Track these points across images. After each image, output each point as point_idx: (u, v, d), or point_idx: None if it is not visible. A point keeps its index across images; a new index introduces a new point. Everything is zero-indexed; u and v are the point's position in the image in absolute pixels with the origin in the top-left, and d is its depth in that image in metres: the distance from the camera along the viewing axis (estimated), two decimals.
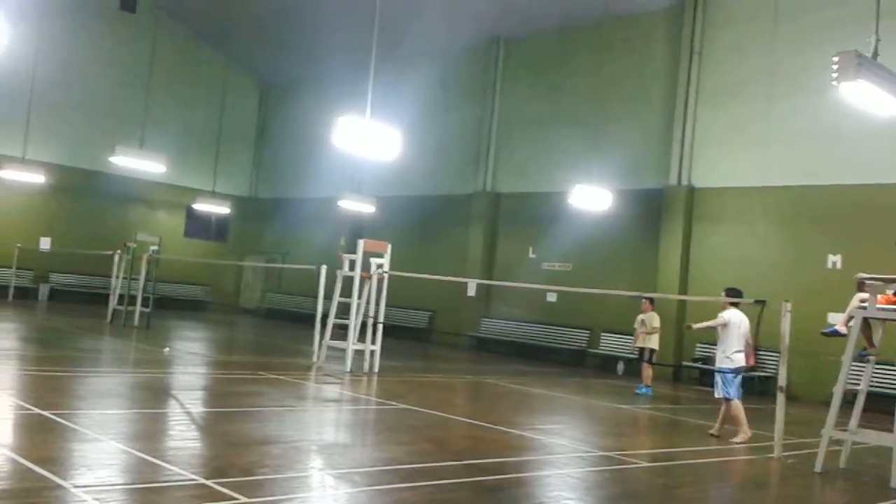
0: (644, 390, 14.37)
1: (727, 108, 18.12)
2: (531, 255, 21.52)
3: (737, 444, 9.45)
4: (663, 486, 7.32)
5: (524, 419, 10.61)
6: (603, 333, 19.58)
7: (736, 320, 9.74)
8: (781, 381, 8.90)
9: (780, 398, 8.85)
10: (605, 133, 19.69)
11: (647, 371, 14.56)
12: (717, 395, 9.86)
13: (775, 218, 17.14)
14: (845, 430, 8.41)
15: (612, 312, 19.12)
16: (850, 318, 8.42)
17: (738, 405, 9.74)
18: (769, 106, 17.34)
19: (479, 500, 6.12)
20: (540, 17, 21.37)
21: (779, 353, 9.06)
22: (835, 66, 8.00)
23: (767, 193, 17.23)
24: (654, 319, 14.67)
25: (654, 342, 14.67)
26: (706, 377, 17.36)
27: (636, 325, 14.91)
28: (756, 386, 16.57)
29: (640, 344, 14.78)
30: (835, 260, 16.06)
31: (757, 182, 17.40)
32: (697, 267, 18.14)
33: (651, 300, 14.88)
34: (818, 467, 7.99)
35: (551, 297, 20.46)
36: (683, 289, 17.94)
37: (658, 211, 18.78)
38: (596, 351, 19.63)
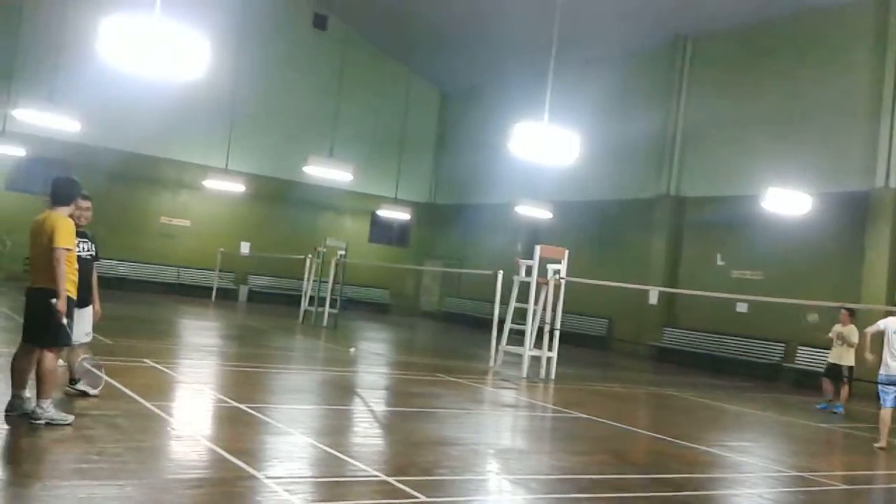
0: (838, 408, 13.35)
1: None
2: (719, 263, 20.51)
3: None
4: None
5: (711, 435, 10.07)
6: (800, 347, 18.25)
7: (892, 326, 9.47)
8: None
9: None
10: (801, 133, 18.44)
11: (844, 389, 13.41)
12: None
13: None
14: None
15: (810, 325, 17.83)
16: None
17: (883, 413, 9.55)
18: None
19: None
20: (729, 14, 20.36)
21: None
22: None
23: None
24: (853, 334, 13.42)
25: (851, 358, 13.43)
26: None
27: (831, 335, 13.72)
28: None
29: (833, 360, 13.60)
30: None
31: None
32: None
33: (851, 311, 13.66)
34: None
35: (741, 308, 19.37)
36: (892, 299, 16.40)
37: (863, 215, 17.31)
38: (791, 366, 18.35)
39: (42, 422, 6.17)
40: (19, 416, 6.27)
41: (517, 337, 14.46)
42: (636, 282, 19.31)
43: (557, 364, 13.79)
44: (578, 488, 6.21)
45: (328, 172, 22.65)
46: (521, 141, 12.54)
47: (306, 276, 21.50)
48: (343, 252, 20.93)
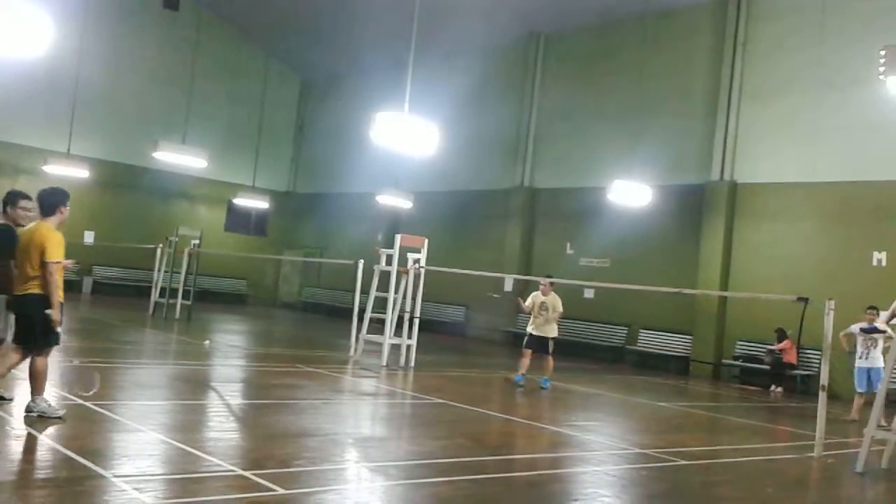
0: (545, 382, 12.67)
1: (772, 102, 17.81)
2: (569, 251, 21.39)
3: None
4: (701, 483, 7.22)
5: (561, 415, 10.55)
6: (641, 330, 19.41)
7: None
8: (823, 379, 8.73)
9: (822, 397, 8.69)
10: (645, 128, 19.49)
11: (550, 361, 12.76)
12: None
13: (820, 214, 16.82)
14: (888, 430, 8.23)
15: (650, 309, 18.97)
16: (893, 316, 8.34)
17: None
18: (816, 100, 17.00)
19: (514, 496, 6.09)
20: (580, 12, 21.21)
21: (821, 351, 8.88)
22: (882, 60, 7.81)
23: (813, 189, 16.91)
24: (557, 302, 12.76)
25: (555, 329, 12.92)
26: (747, 375, 17.16)
27: (529, 305, 12.90)
28: (798, 385, 16.34)
29: (538, 332, 12.76)
30: (880, 257, 15.74)
31: (802, 178, 17.08)
32: (739, 264, 17.88)
33: (552, 281, 13.08)
34: (859, 467, 7.84)
35: (589, 294, 20.31)
36: (724, 286, 17.69)
37: (699, 207, 18.54)
38: (634, 348, 19.46)
39: (35, 413, 6.68)
40: None
41: (377, 326, 14.55)
42: (493, 270, 19.82)
43: (417, 351, 13.99)
44: (436, 472, 6.37)
45: (181, 158, 21.83)
46: (382, 131, 12.58)
47: (157, 266, 20.65)
48: (197, 241, 20.27)
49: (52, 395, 8.33)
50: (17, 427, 6.60)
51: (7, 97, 23.03)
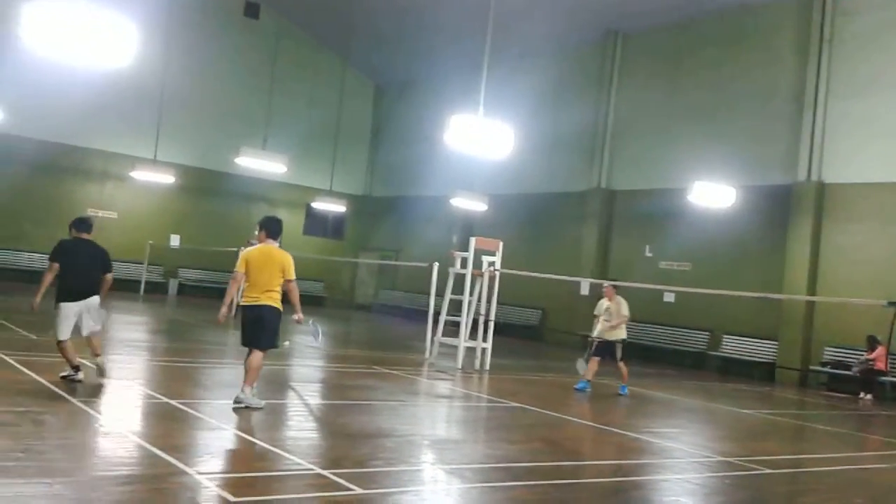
0: (623, 389, 12.39)
1: (861, 99, 17.12)
2: (648, 254, 20.99)
3: None
4: (786, 493, 6.96)
5: (640, 421, 10.33)
6: (725, 336, 18.87)
7: None
8: None
9: None
10: (727, 127, 18.99)
11: (623, 367, 12.41)
12: None
13: None
14: None
15: (734, 314, 18.44)
16: None
17: None
18: None
19: (594, 502, 5.98)
20: (659, 10, 20.82)
21: None
22: None
23: None
24: (622, 306, 12.38)
25: (622, 332, 12.45)
26: (835, 382, 16.53)
27: (597, 313, 12.62)
28: (888, 392, 15.67)
29: (607, 336, 12.31)
30: None
31: (892, 177, 16.35)
32: (828, 267, 17.22)
33: (615, 286, 12.90)
34: None
35: (669, 298, 19.88)
36: (812, 290, 17.07)
37: (785, 208, 17.94)
38: (717, 353, 18.94)
39: (242, 405, 7.72)
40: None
41: (452, 328, 14.55)
42: (569, 273, 19.63)
43: (492, 354, 13.94)
44: (512, 476, 6.30)
45: (261, 164, 22.34)
46: (457, 133, 12.61)
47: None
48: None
49: (139, 392, 8.62)
50: (106, 424, 6.82)
51: (96, 106, 23.97)
